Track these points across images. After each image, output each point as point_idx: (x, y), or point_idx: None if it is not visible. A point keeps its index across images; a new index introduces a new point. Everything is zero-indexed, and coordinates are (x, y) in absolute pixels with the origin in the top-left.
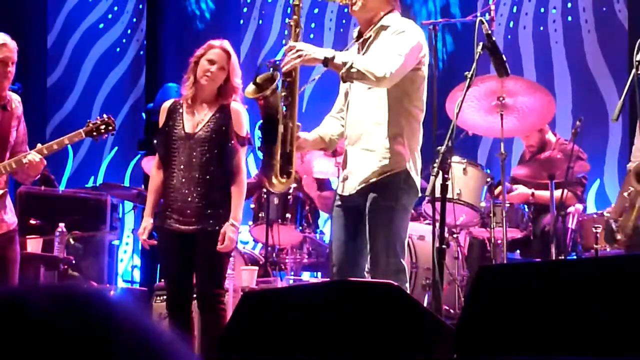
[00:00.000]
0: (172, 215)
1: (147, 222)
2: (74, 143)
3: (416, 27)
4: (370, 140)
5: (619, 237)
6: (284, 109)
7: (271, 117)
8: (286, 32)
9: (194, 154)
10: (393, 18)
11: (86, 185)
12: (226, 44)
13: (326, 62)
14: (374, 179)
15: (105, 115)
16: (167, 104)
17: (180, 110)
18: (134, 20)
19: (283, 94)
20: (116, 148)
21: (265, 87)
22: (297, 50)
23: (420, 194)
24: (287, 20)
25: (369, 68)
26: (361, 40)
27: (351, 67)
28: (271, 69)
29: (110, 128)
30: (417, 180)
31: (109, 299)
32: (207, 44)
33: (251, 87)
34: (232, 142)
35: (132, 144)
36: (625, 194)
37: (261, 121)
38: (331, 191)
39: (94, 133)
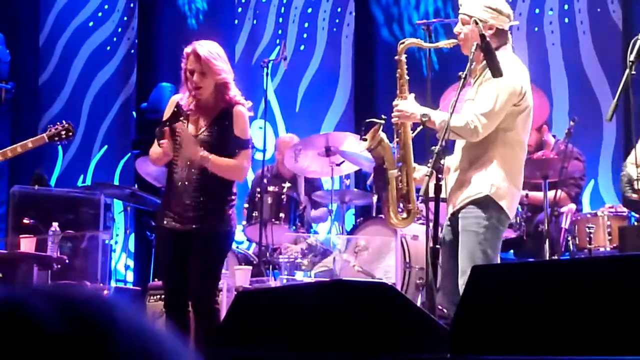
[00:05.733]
0: (170, 214)
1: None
2: (37, 146)
3: (514, 69)
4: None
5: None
6: (395, 154)
7: (379, 166)
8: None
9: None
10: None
11: (77, 184)
12: (197, 46)
13: (424, 121)
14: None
15: (64, 122)
16: (176, 98)
17: (185, 110)
18: (125, 18)
19: (396, 140)
20: (106, 147)
21: (373, 139)
22: (399, 110)
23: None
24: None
25: (460, 131)
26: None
27: (446, 129)
28: (376, 124)
29: (70, 134)
30: (504, 204)
31: (110, 303)
32: (184, 53)
33: (362, 142)
34: (233, 144)
35: (122, 143)
36: None
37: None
38: (323, 191)
39: (56, 138)
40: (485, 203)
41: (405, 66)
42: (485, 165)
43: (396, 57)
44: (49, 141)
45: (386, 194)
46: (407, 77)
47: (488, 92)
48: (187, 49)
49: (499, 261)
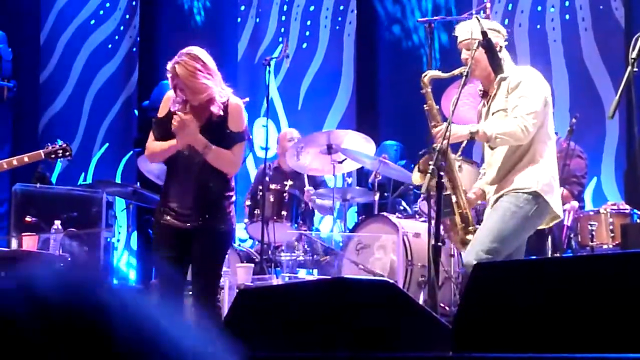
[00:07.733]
0: (169, 212)
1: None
2: (33, 162)
3: (531, 73)
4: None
5: None
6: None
7: (441, 195)
8: (426, 108)
9: (193, 152)
10: (507, 69)
11: (78, 182)
12: (177, 66)
13: (472, 136)
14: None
15: (63, 143)
16: (172, 94)
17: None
18: (127, 16)
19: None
20: (107, 145)
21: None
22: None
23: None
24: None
25: (512, 136)
26: (487, 96)
27: (496, 137)
28: (428, 152)
29: (68, 154)
30: (550, 199)
31: (103, 306)
32: (167, 68)
33: (416, 174)
34: (228, 139)
35: (124, 141)
36: None
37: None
38: (326, 188)
39: (52, 156)
40: (530, 195)
41: (432, 96)
42: (528, 164)
43: (422, 91)
44: (45, 158)
45: (451, 220)
46: (437, 107)
47: (526, 95)
48: (169, 66)
49: (518, 251)
